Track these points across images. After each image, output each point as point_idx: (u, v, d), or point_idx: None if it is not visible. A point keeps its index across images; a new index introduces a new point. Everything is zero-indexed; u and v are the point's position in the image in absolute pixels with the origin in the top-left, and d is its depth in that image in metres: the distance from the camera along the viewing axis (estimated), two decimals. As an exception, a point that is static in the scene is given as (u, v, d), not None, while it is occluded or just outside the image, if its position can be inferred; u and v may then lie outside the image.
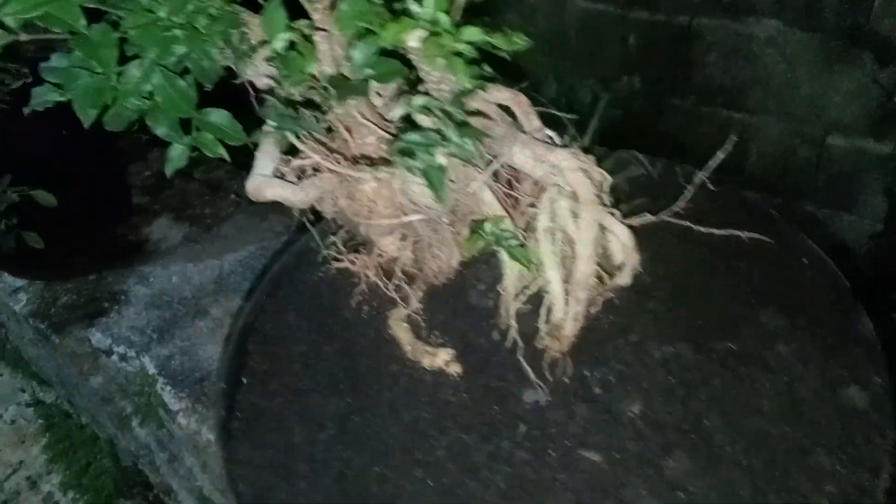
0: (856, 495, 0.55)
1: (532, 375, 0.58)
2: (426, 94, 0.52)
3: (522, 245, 0.61)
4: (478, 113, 0.60)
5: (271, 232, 1.47)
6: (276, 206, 0.63)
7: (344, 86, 0.51)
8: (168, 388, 1.24)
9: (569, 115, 0.67)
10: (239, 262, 1.44)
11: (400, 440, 0.61)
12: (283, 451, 0.64)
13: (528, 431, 0.58)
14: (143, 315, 1.37)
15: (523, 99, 0.62)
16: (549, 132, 0.61)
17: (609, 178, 0.62)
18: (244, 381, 0.71)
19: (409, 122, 0.53)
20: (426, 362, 0.64)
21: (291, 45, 0.52)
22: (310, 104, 0.55)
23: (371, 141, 0.58)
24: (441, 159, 0.49)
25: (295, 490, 0.60)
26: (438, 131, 0.51)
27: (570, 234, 0.59)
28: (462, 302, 0.67)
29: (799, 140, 2.04)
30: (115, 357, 1.33)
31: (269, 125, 0.51)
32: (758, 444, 0.57)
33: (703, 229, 0.66)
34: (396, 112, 0.52)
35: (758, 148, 2.15)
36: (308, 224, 0.72)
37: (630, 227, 0.63)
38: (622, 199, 0.73)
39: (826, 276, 0.74)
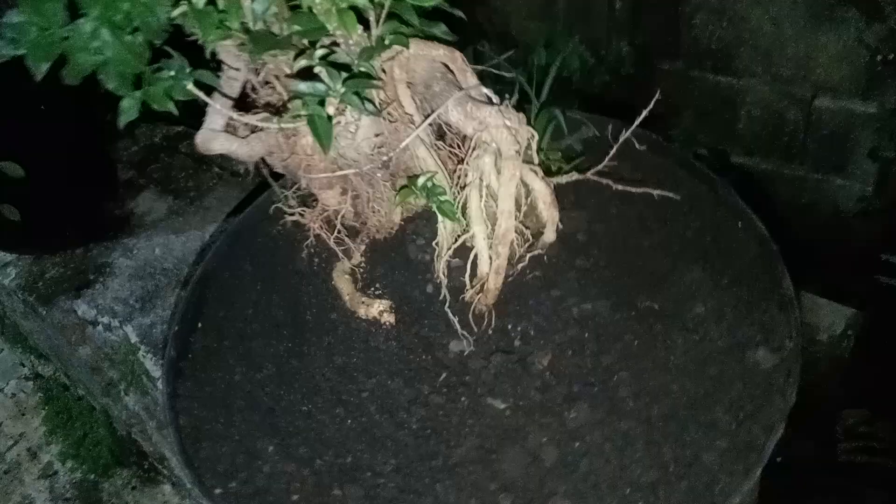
0: (745, 452, 0.56)
1: (458, 326, 0.60)
2: (331, 47, 0.53)
3: (451, 201, 0.62)
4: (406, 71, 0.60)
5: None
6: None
7: (262, 40, 0.52)
8: (150, 356, 1.27)
9: (509, 74, 0.68)
10: (221, 233, 1.45)
11: (330, 382, 0.63)
12: (224, 389, 0.67)
13: (447, 378, 0.60)
14: (127, 286, 1.40)
15: (458, 55, 0.63)
16: (486, 90, 0.62)
17: (535, 135, 0.62)
18: (199, 325, 0.74)
19: (309, 75, 0.54)
20: (362, 312, 0.67)
21: (211, 2, 0.53)
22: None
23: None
24: (330, 110, 0.50)
25: (229, 423, 0.63)
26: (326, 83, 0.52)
27: (494, 190, 0.60)
28: (401, 256, 0.69)
29: (787, 102, 2.03)
30: (100, 327, 1.36)
31: (165, 75, 0.52)
32: (659, 400, 0.58)
33: (620, 187, 0.66)
34: (298, 64, 0.53)
35: (746, 111, 2.14)
36: (269, 179, 0.74)
37: (557, 184, 0.64)
38: (573, 158, 0.74)
39: (755, 239, 0.74)
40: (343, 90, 0.53)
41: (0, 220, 1.24)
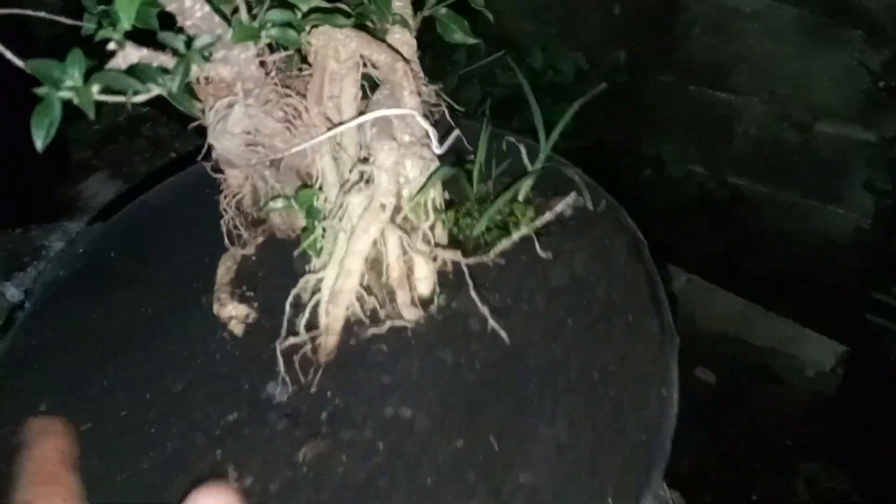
0: None
1: (281, 368, 0.51)
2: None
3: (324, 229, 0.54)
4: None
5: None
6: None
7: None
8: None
9: (459, 108, 0.59)
10: (161, 223, 1.38)
11: (147, 361, 0.59)
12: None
13: (238, 417, 0.52)
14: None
15: (399, 67, 0.54)
16: (421, 120, 0.53)
17: (433, 197, 0.52)
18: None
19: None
20: (216, 307, 0.59)
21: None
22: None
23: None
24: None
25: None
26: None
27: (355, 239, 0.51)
28: (286, 264, 0.61)
29: (785, 124, 1.93)
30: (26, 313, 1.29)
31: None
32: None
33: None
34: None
35: (743, 130, 2.04)
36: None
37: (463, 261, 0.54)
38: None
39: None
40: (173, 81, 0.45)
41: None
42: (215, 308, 0.61)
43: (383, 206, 0.50)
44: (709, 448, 1.73)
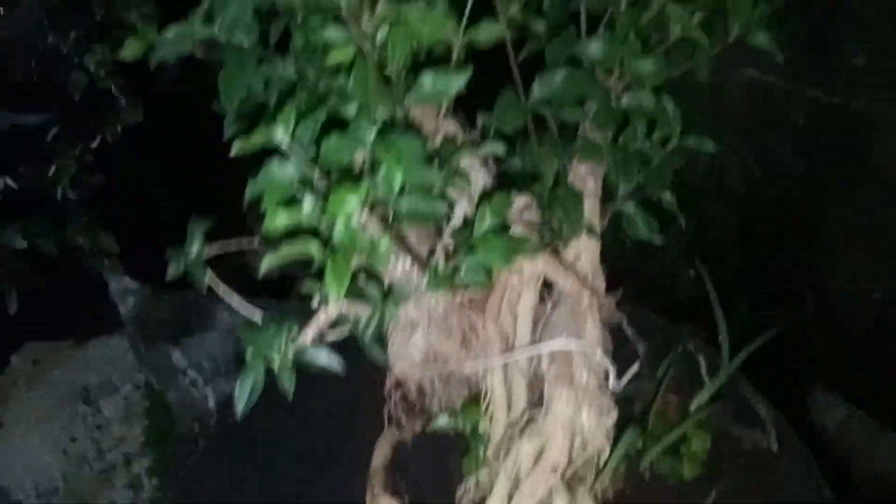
0: None
1: None
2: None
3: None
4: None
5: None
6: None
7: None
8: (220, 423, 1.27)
9: None
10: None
11: None
12: None
13: None
14: (220, 344, 1.42)
15: (586, 297, 0.53)
16: (607, 363, 0.51)
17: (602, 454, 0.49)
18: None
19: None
20: (369, 500, 0.59)
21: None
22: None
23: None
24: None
25: None
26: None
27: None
28: (440, 459, 0.60)
29: None
30: (187, 380, 1.39)
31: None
32: None
33: None
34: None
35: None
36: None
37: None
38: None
39: None
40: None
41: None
42: (368, 499, 0.61)
43: (555, 469, 0.48)
44: None
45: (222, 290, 0.50)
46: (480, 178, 0.53)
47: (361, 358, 0.65)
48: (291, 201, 0.41)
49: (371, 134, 0.41)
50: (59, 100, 1.21)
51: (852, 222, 1.90)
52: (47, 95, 1.21)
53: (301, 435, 0.72)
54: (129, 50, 0.56)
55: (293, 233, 0.42)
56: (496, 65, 0.55)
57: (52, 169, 1.17)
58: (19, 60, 1.17)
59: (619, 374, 0.52)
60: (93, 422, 2.12)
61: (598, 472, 0.50)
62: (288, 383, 0.41)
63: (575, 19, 0.59)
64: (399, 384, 0.62)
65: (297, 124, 0.41)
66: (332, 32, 0.46)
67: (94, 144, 1.23)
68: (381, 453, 0.63)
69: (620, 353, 0.54)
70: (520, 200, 0.55)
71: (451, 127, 0.53)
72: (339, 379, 0.74)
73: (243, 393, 0.41)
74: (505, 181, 0.56)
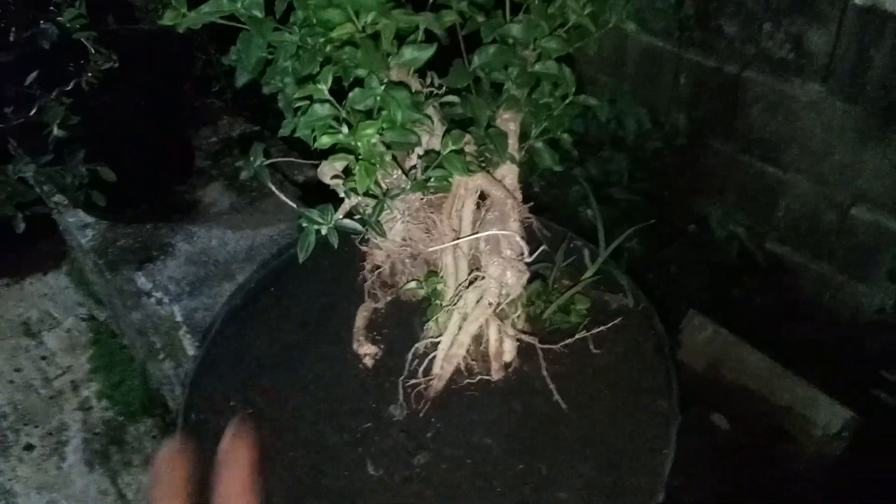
0: None
1: (401, 398, 0.79)
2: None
3: (441, 306, 0.80)
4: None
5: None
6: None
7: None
8: (188, 336, 1.50)
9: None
10: (269, 238, 1.68)
11: (307, 379, 0.89)
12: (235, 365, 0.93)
13: (369, 427, 0.80)
14: (182, 269, 1.64)
15: (510, 202, 0.80)
16: (519, 240, 0.79)
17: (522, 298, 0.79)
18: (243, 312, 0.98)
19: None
20: (355, 346, 0.87)
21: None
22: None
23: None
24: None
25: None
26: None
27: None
28: (408, 322, 0.88)
29: (825, 204, 2.15)
30: (153, 300, 1.60)
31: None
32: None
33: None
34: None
35: (787, 203, 2.26)
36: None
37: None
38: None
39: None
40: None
41: (95, 181, 1.44)
42: (354, 345, 0.88)
43: (490, 304, 0.77)
44: (716, 488, 1.96)
45: (277, 190, 0.74)
46: (438, 120, 0.80)
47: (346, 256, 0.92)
48: (330, 128, 0.67)
49: (381, 88, 0.67)
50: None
51: (725, 169, 2.29)
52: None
53: (299, 310, 0.98)
54: (167, 18, 0.78)
55: (331, 149, 0.68)
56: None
57: (35, 109, 1.34)
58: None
59: (531, 254, 0.81)
60: (36, 353, 2.28)
61: (516, 312, 0.79)
62: (334, 240, 0.67)
63: (502, 7, 0.86)
64: (377, 266, 0.90)
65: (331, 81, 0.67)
66: (332, 13, 0.71)
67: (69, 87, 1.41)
68: (362, 316, 0.91)
69: (530, 243, 0.83)
70: (465, 136, 0.82)
71: (416, 84, 0.79)
72: (328, 270, 1.00)
73: (303, 247, 0.67)
74: (454, 123, 0.83)
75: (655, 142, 2.42)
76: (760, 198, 2.29)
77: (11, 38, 1.46)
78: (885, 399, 1.81)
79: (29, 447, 2.03)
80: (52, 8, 1.46)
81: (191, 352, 1.49)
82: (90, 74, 1.42)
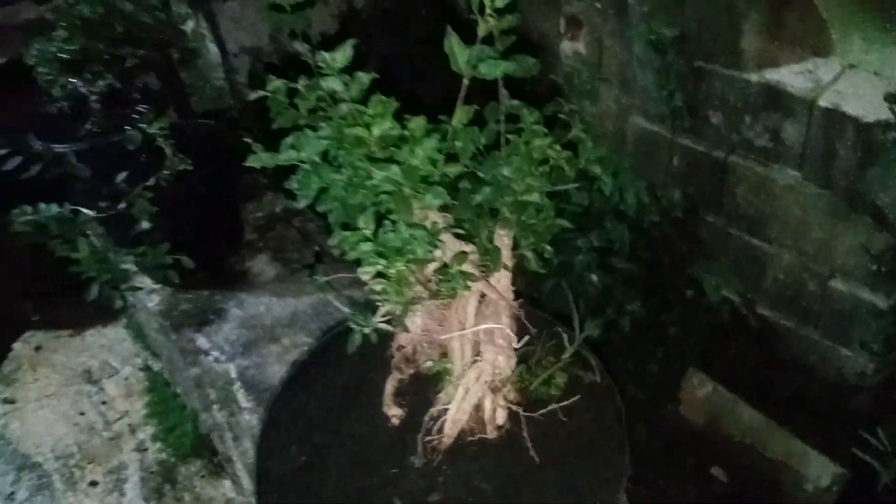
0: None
1: (420, 450, 1.06)
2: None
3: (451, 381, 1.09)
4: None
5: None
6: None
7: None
8: (242, 390, 1.78)
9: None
10: (310, 305, 1.97)
11: (348, 435, 1.17)
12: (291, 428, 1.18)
13: (395, 472, 1.07)
14: (235, 331, 1.93)
15: (503, 303, 1.08)
16: (510, 333, 1.07)
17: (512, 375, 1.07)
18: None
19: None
20: (385, 408, 1.15)
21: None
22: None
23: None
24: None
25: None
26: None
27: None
28: (427, 389, 1.16)
29: (807, 275, 2.39)
30: (210, 358, 1.89)
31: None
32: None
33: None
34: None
35: (773, 273, 2.51)
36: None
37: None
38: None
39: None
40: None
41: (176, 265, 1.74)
42: (384, 408, 1.16)
43: (486, 381, 1.04)
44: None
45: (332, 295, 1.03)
46: (450, 241, 1.09)
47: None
48: (371, 259, 0.97)
49: (407, 233, 0.96)
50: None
51: (717, 240, 2.54)
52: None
53: (341, 379, 1.26)
54: (251, 161, 1.08)
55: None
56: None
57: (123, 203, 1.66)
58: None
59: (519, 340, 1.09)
60: (98, 398, 2.59)
61: (506, 387, 1.07)
62: (374, 338, 0.96)
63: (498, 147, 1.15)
64: (401, 347, 1.18)
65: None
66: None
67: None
68: (390, 385, 1.19)
69: (521, 330, 1.11)
70: (469, 249, 1.11)
71: (435, 215, 1.09)
72: (364, 348, 1.29)
73: (352, 343, 0.96)
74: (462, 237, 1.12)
75: (654, 214, 2.68)
76: (750, 267, 2.52)
77: (101, 141, 1.79)
78: (867, 459, 1.99)
79: (93, 483, 2.32)
80: (135, 116, 1.79)
81: (244, 404, 1.77)
82: (167, 172, 1.74)
